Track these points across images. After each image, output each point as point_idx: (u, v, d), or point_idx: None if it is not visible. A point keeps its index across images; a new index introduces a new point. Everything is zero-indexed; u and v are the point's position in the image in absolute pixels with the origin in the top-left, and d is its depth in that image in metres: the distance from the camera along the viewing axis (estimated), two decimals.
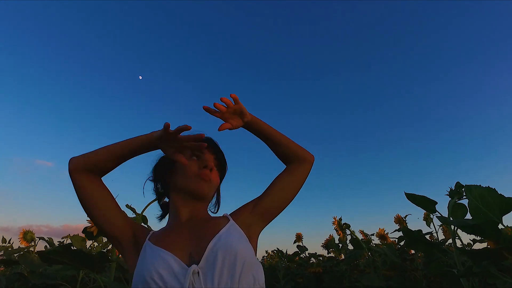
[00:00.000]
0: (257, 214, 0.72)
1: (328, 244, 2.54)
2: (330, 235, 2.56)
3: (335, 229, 2.11)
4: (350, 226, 2.05)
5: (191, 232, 0.64)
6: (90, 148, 0.66)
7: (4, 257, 2.24)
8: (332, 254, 2.65)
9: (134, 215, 1.23)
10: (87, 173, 0.65)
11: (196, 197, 0.70)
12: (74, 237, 2.44)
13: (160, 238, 0.63)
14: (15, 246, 2.44)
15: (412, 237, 1.10)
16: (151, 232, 0.67)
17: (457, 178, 1.11)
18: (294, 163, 0.78)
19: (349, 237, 2.12)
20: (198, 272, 0.53)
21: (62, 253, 0.74)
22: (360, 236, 2.20)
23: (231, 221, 0.67)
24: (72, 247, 0.74)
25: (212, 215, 0.77)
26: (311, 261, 2.84)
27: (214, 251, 0.56)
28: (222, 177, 0.80)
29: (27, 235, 2.32)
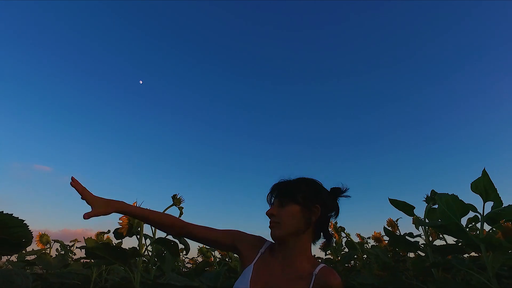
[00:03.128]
0: None
1: (326, 246, 2.69)
2: None
3: (331, 232, 2.26)
4: (345, 229, 2.21)
5: (273, 274, 0.73)
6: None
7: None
8: (330, 256, 2.79)
9: None
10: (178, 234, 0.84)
11: (275, 240, 0.78)
12: (88, 240, 2.60)
13: (260, 265, 0.75)
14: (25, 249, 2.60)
15: (394, 237, 1.26)
16: (263, 249, 0.79)
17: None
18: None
19: (344, 239, 2.28)
20: None
21: (102, 249, 0.90)
22: (356, 239, 2.36)
23: None
24: (110, 243, 0.90)
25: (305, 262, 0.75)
26: None
27: None
28: (302, 205, 0.75)
29: (43, 238, 2.48)
